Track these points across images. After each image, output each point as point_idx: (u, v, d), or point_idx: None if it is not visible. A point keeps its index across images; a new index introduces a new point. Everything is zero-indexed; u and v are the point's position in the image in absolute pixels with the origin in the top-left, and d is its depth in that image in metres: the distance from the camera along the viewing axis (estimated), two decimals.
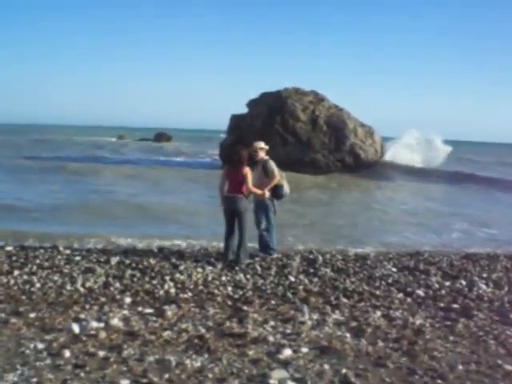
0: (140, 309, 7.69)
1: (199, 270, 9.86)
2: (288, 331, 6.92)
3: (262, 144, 10.99)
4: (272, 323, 7.22)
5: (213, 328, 6.95)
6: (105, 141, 76.65)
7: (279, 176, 10.72)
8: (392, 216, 19.64)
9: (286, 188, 10.87)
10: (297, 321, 7.36)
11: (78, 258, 10.38)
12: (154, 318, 7.28)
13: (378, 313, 7.91)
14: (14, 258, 10.27)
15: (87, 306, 7.76)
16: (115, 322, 7.03)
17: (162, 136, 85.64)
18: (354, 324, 7.36)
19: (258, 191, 10.44)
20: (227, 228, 10.59)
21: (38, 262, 10.09)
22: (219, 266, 10.18)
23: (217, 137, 63.07)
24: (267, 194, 10.61)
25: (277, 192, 10.77)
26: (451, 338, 6.99)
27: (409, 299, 8.78)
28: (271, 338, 6.59)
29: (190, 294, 8.56)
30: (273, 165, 10.72)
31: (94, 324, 6.86)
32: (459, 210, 21.35)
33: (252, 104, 39.97)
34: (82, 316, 7.26)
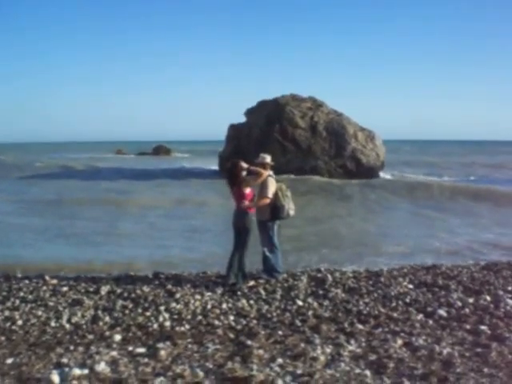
0: (131, 348, 6.80)
1: (197, 296, 8.97)
2: (299, 371, 5.99)
3: (266, 159, 10.04)
4: (280, 361, 6.30)
5: (213, 370, 6.03)
6: (99, 157, 74.71)
7: (270, 196, 9.75)
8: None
9: (289, 208, 9.90)
10: (308, 356, 6.43)
11: (65, 289, 9.49)
12: (145, 360, 6.38)
13: (399, 341, 6.98)
14: None
15: (72, 347, 6.88)
16: (101, 367, 6.13)
17: (160, 149, 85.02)
18: (373, 357, 6.44)
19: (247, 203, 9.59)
20: (233, 245, 9.77)
21: (21, 294, 9.23)
22: (219, 291, 9.30)
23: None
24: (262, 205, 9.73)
25: (275, 213, 9.81)
26: (486, 369, 6.08)
27: (430, 321, 7.88)
28: (280, 382, 5.68)
29: (187, 326, 7.69)
30: (270, 183, 9.79)
31: (77, 371, 5.97)
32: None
33: (249, 113, 39.35)
34: (65, 360, 6.38)
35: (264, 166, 9.90)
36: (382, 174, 37.78)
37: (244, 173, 9.62)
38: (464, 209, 23.86)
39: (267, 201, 9.62)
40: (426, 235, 16.72)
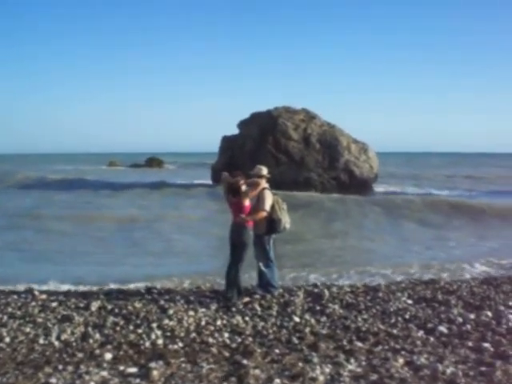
0: (122, 368, 6.52)
1: (191, 313, 8.68)
2: None
3: (262, 171, 9.82)
4: (278, 381, 6.04)
5: None
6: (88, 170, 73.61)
7: (268, 210, 9.50)
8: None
9: (285, 222, 9.68)
10: (307, 377, 6.17)
11: (54, 304, 9.19)
12: (137, 381, 6.12)
13: (400, 360, 6.73)
14: None
15: (60, 366, 6.58)
16: None
17: (153, 161, 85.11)
18: (374, 377, 6.19)
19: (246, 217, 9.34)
20: (230, 260, 9.49)
21: (9, 310, 8.89)
22: (213, 307, 9.03)
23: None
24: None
25: (272, 226, 9.58)
26: None
27: (432, 338, 7.64)
28: None
29: (180, 344, 7.39)
30: (267, 196, 9.55)
31: None
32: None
33: (243, 125, 39.20)
34: (54, 380, 6.12)
35: (260, 178, 9.68)
36: (376, 189, 37.71)
37: (244, 186, 9.39)
38: (448, 222, 23.77)
39: (264, 214, 9.38)
40: (414, 251, 16.64)
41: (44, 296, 9.78)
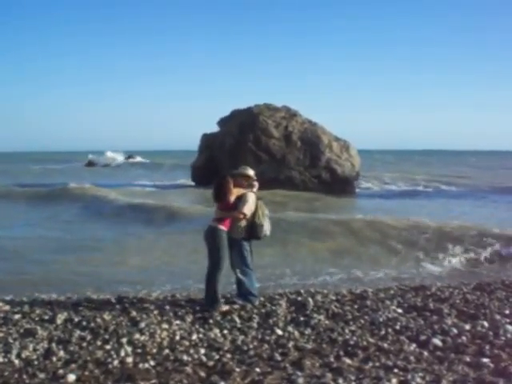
0: None
1: (164, 325, 8.00)
2: None
3: (246, 171, 9.21)
4: None
5: None
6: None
7: (246, 213, 8.87)
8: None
9: (267, 229, 9.06)
10: None
11: (17, 317, 8.48)
12: None
13: (394, 380, 6.07)
14: None
15: None
16: None
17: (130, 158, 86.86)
18: None
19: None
20: (208, 266, 8.89)
21: None
22: (189, 318, 8.36)
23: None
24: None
25: (254, 232, 8.96)
26: None
27: (425, 353, 7.00)
28: None
29: (151, 362, 6.69)
30: (250, 199, 8.92)
31: None
32: None
33: (223, 122, 38.58)
34: None
35: (246, 178, 9.07)
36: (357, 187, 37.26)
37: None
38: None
39: (239, 216, 8.75)
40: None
41: (7, 307, 9.07)
